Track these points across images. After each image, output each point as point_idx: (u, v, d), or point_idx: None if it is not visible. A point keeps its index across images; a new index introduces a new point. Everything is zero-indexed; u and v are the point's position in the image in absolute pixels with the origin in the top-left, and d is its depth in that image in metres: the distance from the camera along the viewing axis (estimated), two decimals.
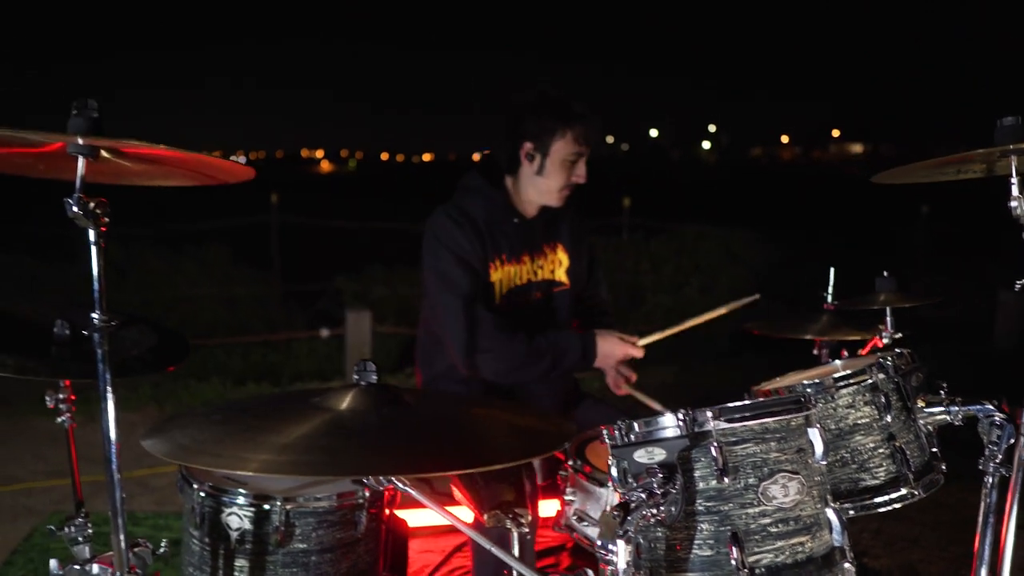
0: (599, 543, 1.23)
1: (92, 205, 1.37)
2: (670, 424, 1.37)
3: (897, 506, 1.68)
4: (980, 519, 1.69)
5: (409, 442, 1.33)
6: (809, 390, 1.70)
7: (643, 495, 1.30)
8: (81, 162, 1.35)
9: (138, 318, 2.12)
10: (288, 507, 1.66)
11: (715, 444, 1.34)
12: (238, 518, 1.70)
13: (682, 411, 1.36)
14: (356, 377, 1.46)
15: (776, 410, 1.37)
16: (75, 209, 1.36)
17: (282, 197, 8.54)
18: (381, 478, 1.40)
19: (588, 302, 2.93)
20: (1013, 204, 1.55)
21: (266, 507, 1.67)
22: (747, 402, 1.36)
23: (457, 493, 2.36)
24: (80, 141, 1.32)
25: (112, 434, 1.64)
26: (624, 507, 1.27)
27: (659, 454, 1.35)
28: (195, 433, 1.37)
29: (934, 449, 1.77)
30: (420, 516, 2.91)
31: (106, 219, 1.39)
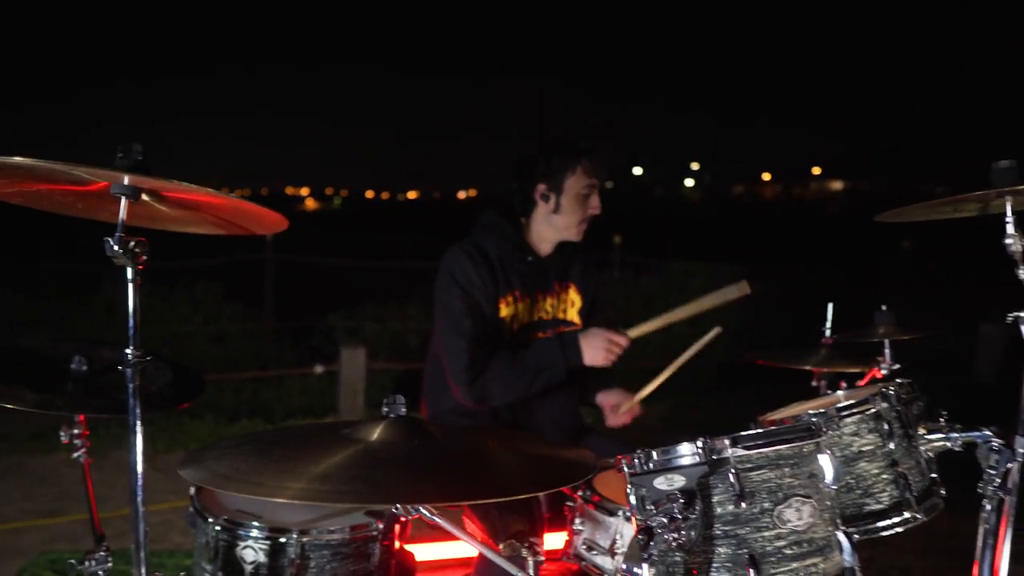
0: (624, 567, 1.29)
1: (132, 244, 1.43)
2: (688, 452, 1.43)
3: (900, 530, 1.75)
4: (980, 541, 1.76)
5: (442, 472, 1.38)
6: (816, 419, 1.76)
7: (664, 520, 1.36)
8: (124, 202, 1.41)
9: (154, 354, 2.16)
10: (304, 540, 1.68)
11: (733, 471, 1.40)
12: (253, 551, 1.71)
13: (700, 439, 1.42)
14: (386, 410, 1.51)
15: (789, 437, 1.44)
16: (116, 248, 1.42)
17: (276, 234, 8.60)
18: (409, 507, 1.44)
19: None
20: (1008, 242, 1.64)
21: (282, 540, 1.68)
22: (761, 430, 1.43)
23: (469, 525, 2.39)
24: (126, 181, 1.38)
25: (139, 467, 1.68)
26: (648, 532, 1.32)
27: (679, 481, 1.41)
28: (232, 463, 1.41)
29: (934, 475, 1.84)
30: (427, 550, 2.94)
31: (144, 257, 1.45)
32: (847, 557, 1.45)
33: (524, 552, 1.76)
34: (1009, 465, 1.71)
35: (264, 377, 7.51)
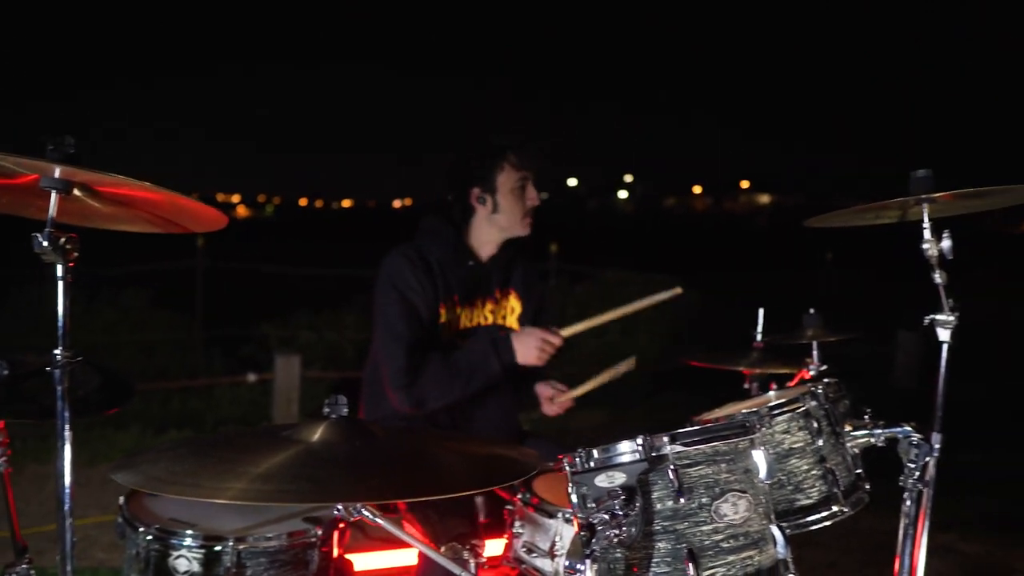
0: (567, 564, 1.30)
1: (63, 240, 1.38)
2: (628, 450, 1.46)
3: (828, 523, 1.81)
4: (901, 532, 1.84)
5: (384, 470, 1.37)
6: (750, 416, 1.82)
7: (606, 517, 1.38)
8: (54, 197, 1.36)
9: (83, 359, 2.08)
10: (240, 547, 1.64)
11: (672, 467, 1.43)
12: (186, 560, 1.67)
13: (640, 437, 1.45)
14: (327, 410, 1.50)
15: (725, 434, 1.48)
16: (44, 244, 1.37)
17: (206, 241, 8.39)
18: (352, 508, 1.43)
19: None
20: (925, 246, 1.73)
21: (217, 548, 1.64)
22: (699, 427, 1.47)
23: (410, 529, 2.38)
24: (57, 173, 1.33)
25: (67, 473, 1.62)
26: (589, 529, 1.34)
27: (619, 478, 1.44)
28: (168, 465, 1.37)
29: (859, 470, 1.92)
30: (365, 560, 2.90)
31: (75, 254, 1.40)
32: (780, 550, 1.50)
33: (466, 554, 1.76)
34: (927, 459, 1.79)
35: (193, 387, 7.30)
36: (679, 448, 1.44)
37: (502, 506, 2.03)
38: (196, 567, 1.68)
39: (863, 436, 1.86)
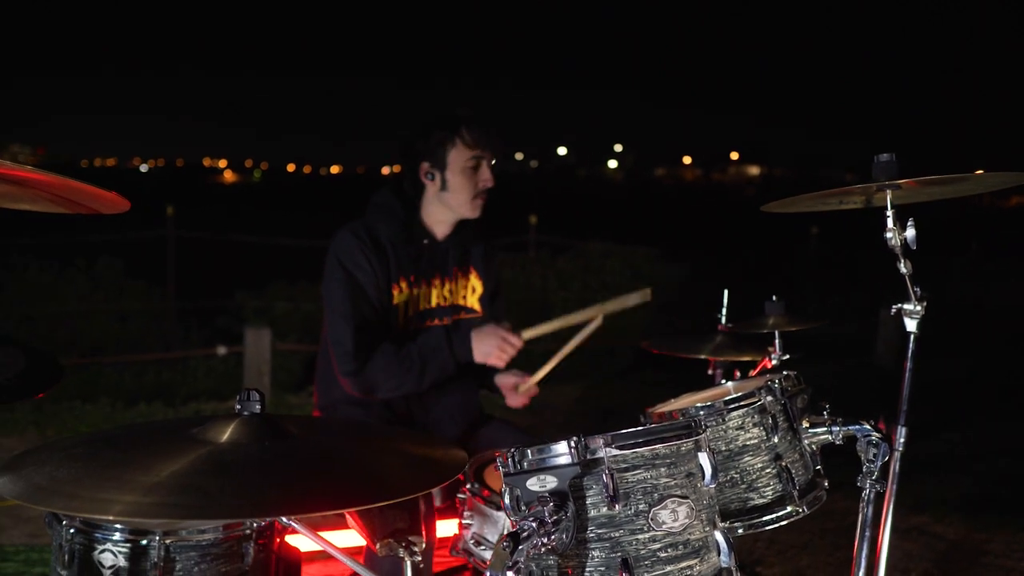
0: (488, 574, 1.21)
1: None
2: (563, 452, 1.36)
3: (783, 523, 1.74)
4: (858, 531, 1.76)
5: (294, 478, 1.27)
6: (702, 412, 1.73)
7: (534, 524, 1.29)
8: None
9: (5, 340, 1.99)
10: (168, 541, 1.56)
11: (607, 471, 1.34)
12: (112, 555, 1.58)
13: (574, 438, 1.36)
14: (239, 407, 1.40)
15: (667, 436, 1.38)
16: None
17: (179, 210, 8.23)
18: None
19: None
20: (888, 236, 1.63)
21: (143, 542, 1.55)
22: (639, 428, 1.37)
23: (351, 521, 2.30)
24: None
25: None
26: (515, 537, 1.25)
27: (551, 482, 1.34)
28: (52, 471, 1.26)
29: (818, 467, 1.84)
30: (311, 542, 2.82)
31: None
32: (724, 558, 1.41)
33: (401, 552, 1.67)
34: (886, 458, 1.72)
35: (167, 359, 7.19)
36: (615, 451, 1.35)
37: (458, 489, 1.96)
38: (122, 561, 1.59)
39: (821, 434, 1.77)
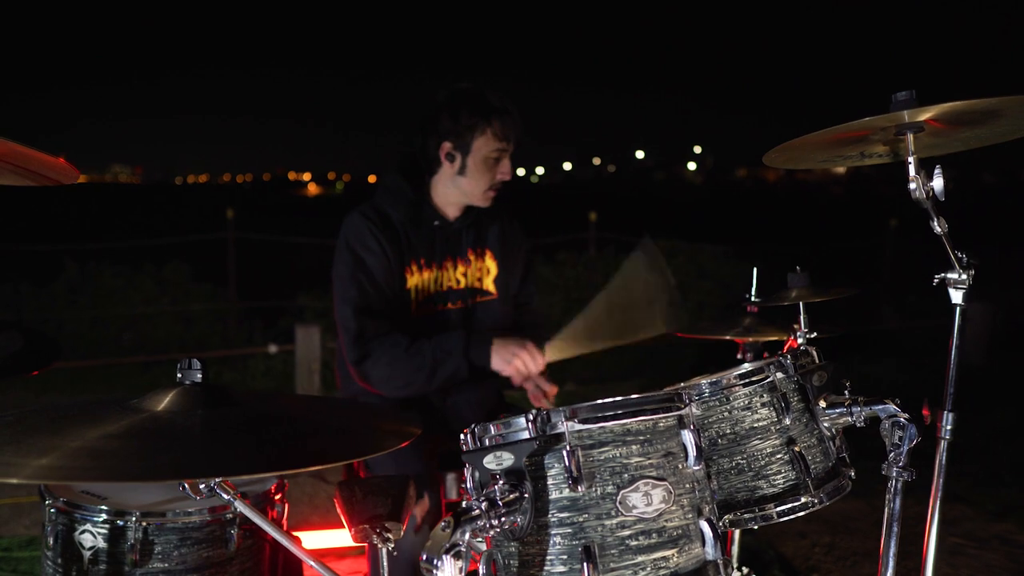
0: (424, 557, 1.08)
1: None
2: (522, 426, 1.22)
3: (801, 514, 1.54)
4: (884, 527, 1.55)
5: (222, 444, 1.18)
6: (706, 390, 1.56)
7: (484, 504, 1.15)
8: None
9: (8, 324, 2.01)
10: (145, 523, 1.53)
11: (568, 448, 1.19)
12: (92, 536, 1.57)
13: (534, 411, 1.22)
14: (180, 376, 1.32)
15: (637, 410, 1.22)
16: None
17: (239, 215, 8.43)
18: (204, 489, 1.24)
19: (518, 313, 2.78)
20: (912, 186, 1.43)
21: (120, 523, 1.54)
22: (607, 400, 1.22)
23: (336, 508, 2.21)
24: None
25: None
26: (457, 517, 1.12)
27: (507, 459, 1.20)
28: None
29: (842, 454, 1.63)
30: (321, 538, 2.75)
31: None
32: (710, 549, 1.24)
33: (374, 538, 1.57)
34: (914, 442, 1.50)
35: (229, 357, 7.34)
36: (579, 426, 1.20)
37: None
38: (101, 543, 1.58)
39: (840, 415, 1.56)
